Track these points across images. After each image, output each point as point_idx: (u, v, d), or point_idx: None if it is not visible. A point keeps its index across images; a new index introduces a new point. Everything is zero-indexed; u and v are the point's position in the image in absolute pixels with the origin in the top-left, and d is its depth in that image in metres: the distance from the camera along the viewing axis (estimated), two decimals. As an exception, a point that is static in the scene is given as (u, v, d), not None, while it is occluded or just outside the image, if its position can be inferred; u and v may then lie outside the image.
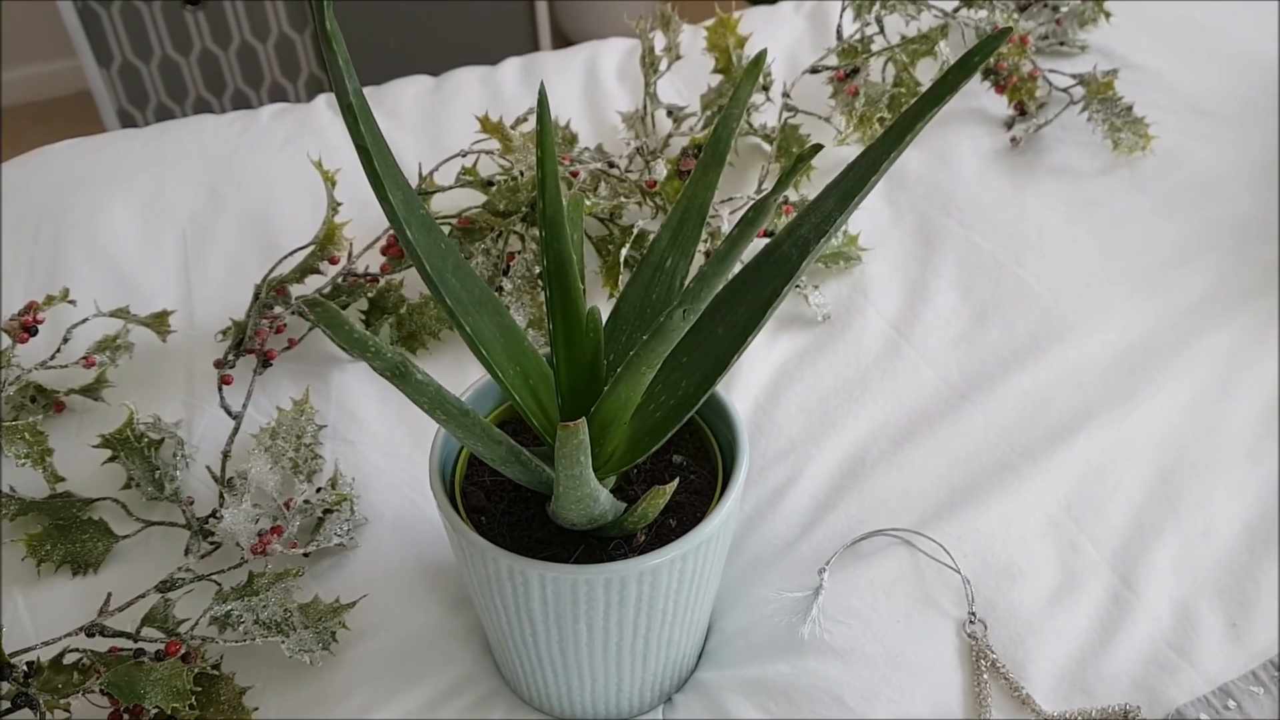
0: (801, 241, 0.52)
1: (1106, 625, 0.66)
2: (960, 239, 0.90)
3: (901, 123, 0.50)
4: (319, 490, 0.70)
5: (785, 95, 0.94)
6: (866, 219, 0.92)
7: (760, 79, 0.95)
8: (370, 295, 0.83)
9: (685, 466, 0.61)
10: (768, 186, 0.93)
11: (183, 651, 0.59)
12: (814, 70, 0.97)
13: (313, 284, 0.84)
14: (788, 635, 0.65)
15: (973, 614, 0.66)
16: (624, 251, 0.84)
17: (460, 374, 0.79)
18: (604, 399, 0.54)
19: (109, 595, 0.62)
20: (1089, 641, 0.65)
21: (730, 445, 0.60)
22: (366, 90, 1.11)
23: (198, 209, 0.96)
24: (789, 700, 0.63)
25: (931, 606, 0.67)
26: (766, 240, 0.54)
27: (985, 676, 0.63)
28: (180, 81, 1.87)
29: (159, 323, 0.81)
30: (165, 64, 1.84)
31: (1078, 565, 0.68)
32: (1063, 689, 0.63)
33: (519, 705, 0.65)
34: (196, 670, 0.59)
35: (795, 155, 0.93)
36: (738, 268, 0.57)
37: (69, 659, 0.59)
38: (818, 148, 0.44)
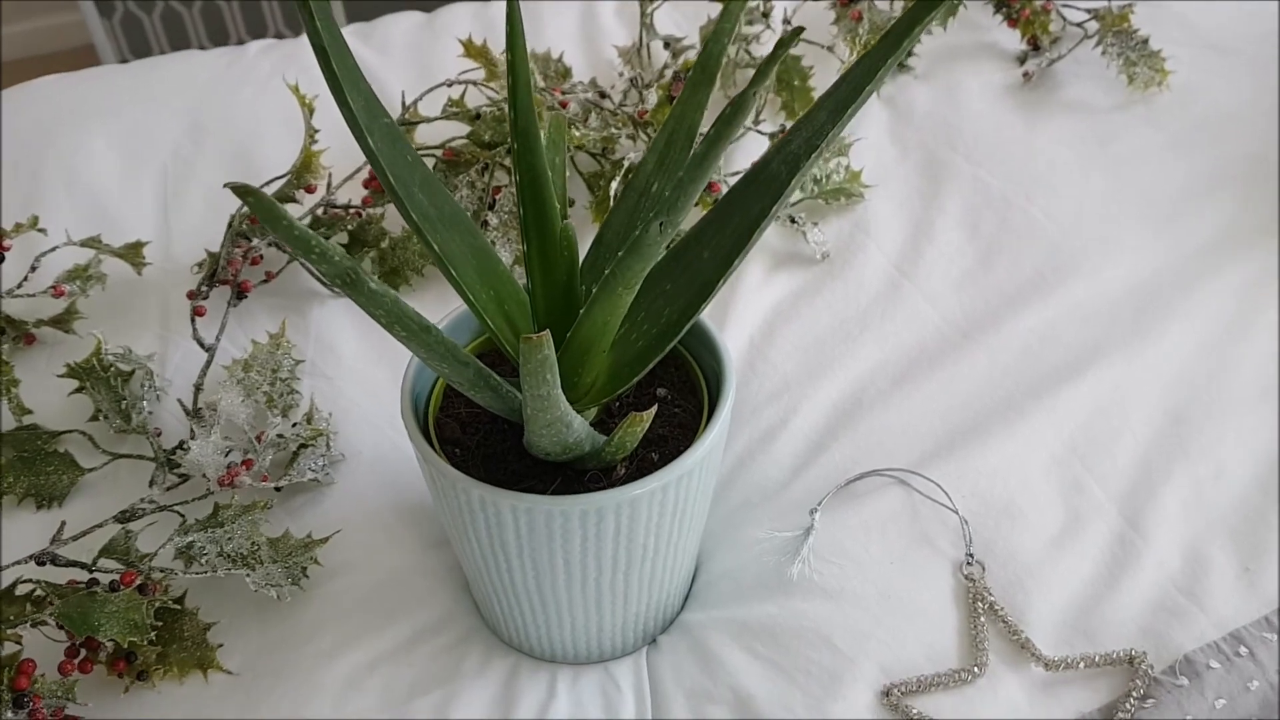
0: (791, 158, 0.49)
1: (1112, 568, 0.63)
2: (967, 176, 0.87)
3: (898, 27, 0.47)
4: (294, 425, 0.68)
5: (786, 23, 0.91)
6: (871, 154, 0.89)
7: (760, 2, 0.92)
8: (350, 229, 0.80)
9: (670, 400, 0.59)
10: (765, 117, 0.90)
11: (139, 582, 0.56)
12: (816, -1, 0.94)
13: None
14: (776, 576, 0.63)
15: (970, 555, 0.63)
16: (614, 185, 0.81)
17: (445, 311, 0.77)
18: (580, 322, 0.51)
19: (63, 524, 0.60)
20: (1093, 585, 0.62)
21: (717, 379, 0.58)
22: (356, 27, 1.08)
23: (180, 143, 0.94)
24: (776, 642, 0.60)
25: (927, 546, 0.64)
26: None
27: (982, 619, 0.60)
28: (183, 31, 1.85)
29: (133, 254, 0.79)
30: (168, 14, 1.82)
31: (1082, 506, 0.66)
32: (1064, 633, 0.60)
33: (498, 645, 0.62)
34: (157, 604, 0.56)
35: (794, 85, 0.89)
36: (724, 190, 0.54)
37: (22, 589, 0.57)
38: (799, 30, 0.40)
